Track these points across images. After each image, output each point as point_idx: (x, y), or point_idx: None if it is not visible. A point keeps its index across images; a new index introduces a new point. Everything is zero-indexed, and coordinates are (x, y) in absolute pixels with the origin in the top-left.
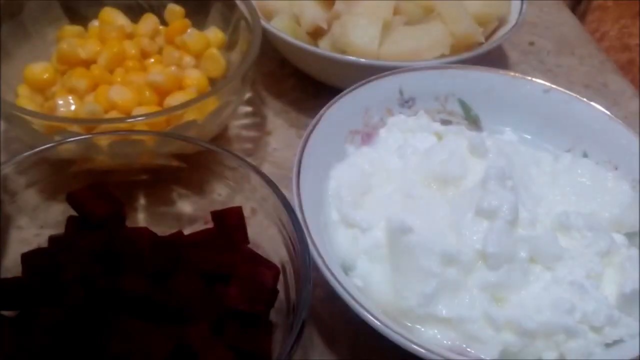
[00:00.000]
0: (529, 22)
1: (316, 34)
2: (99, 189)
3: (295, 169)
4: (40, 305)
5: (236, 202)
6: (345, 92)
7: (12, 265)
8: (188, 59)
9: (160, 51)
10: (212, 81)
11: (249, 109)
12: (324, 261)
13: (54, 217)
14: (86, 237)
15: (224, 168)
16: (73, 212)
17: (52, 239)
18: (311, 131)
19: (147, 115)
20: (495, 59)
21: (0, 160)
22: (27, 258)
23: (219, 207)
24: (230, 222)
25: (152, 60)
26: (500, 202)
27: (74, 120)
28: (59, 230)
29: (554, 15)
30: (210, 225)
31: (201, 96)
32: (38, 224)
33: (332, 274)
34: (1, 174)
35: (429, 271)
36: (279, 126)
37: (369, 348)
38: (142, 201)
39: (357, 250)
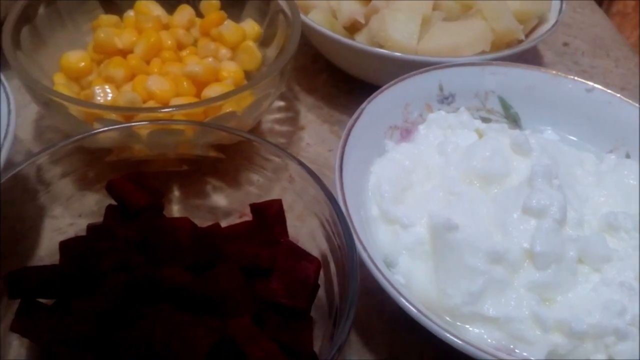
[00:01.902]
0: (563, 23)
1: (352, 28)
2: (138, 179)
3: (337, 162)
4: (78, 293)
5: (272, 194)
6: (386, 86)
7: (46, 254)
8: (224, 51)
9: (195, 43)
10: (247, 74)
11: (281, 103)
12: (369, 256)
13: (88, 206)
14: (125, 226)
15: (261, 159)
16: (107, 202)
17: (90, 228)
18: (352, 125)
19: (190, 104)
20: (530, 58)
21: (29, 149)
22: (66, 246)
23: (254, 201)
24: (270, 215)
25: (187, 51)
26: (549, 200)
27: (116, 108)
28: (94, 219)
29: (588, 16)
30: (246, 218)
31: (242, 87)
32: (72, 213)
33: (379, 269)
34: (36, 164)
35: (476, 269)
36: (312, 121)
37: (406, 346)
38: (176, 193)
39: (398, 247)
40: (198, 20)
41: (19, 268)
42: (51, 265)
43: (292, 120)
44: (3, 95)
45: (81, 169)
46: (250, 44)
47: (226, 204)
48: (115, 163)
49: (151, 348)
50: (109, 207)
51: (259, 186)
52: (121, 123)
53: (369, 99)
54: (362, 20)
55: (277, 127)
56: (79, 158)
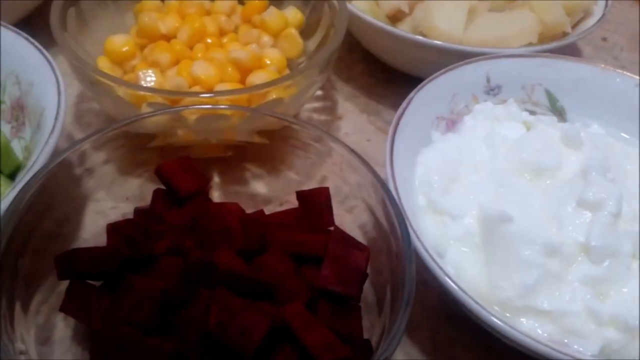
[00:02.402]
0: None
1: (395, 18)
2: (186, 163)
3: (388, 151)
4: (130, 275)
5: (313, 181)
6: (434, 76)
7: (90, 236)
8: (266, 39)
9: (235, 30)
10: (288, 62)
11: (319, 92)
12: (423, 245)
13: (130, 190)
14: (173, 211)
15: (305, 145)
16: (149, 186)
17: (137, 211)
18: (402, 114)
19: (247, 89)
20: (568, 53)
21: (69, 133)
22: (113, 229)
23: (294, 188)
24: (318, 202)
25: (228, 38)
26: (605, 193)
27: (169, 92)
28: (135, 203)
29: (626, 12)
30: (287, 206)
31: (293, 73)
32: (114, 197)
33: (433, 259)
34: (81, 150)
35: (530, 262)
36: (350, 111)
37: (450, 339)
38: (216, 179)
39: (447, 238)
40: (239, 7)
41: (65, 250)
42: (102, 247)
43: (330, 109)
44: (52, 76)
45: (123, 154)
46: (293, 31)
47: (266, 192)
48: (156, 149)
49: (207, 331)
50: (157, 191)
51: (299, 173)
52: (171, 107)
53: (417, 87)
54: (406, 10)
55: (316, 117)
56: (121, 144)
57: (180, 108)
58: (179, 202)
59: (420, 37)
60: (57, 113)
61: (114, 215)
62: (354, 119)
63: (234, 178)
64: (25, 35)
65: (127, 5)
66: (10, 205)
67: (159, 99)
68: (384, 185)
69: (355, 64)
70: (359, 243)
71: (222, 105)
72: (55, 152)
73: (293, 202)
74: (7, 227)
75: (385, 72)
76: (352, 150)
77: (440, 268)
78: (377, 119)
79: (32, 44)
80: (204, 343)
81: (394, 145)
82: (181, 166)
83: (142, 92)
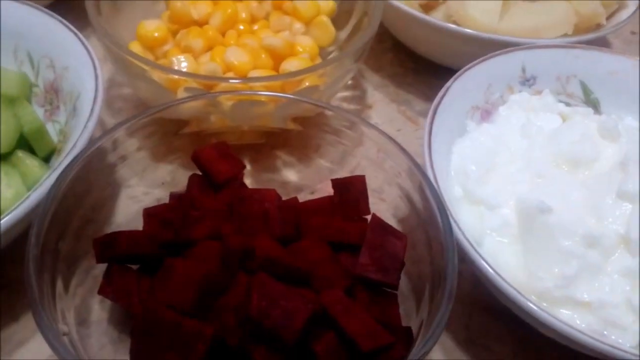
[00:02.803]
0: None
1: (427, 7)
2: (223, 149)
3: (426, 139)
4: (169, 259)
5: (345, 169)
6: (470, 65)
7: (123, 221)
8: (298, 26)
9: (266, 16)
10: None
11: (349, 81)
12: (464, 235)
13: (162, 176)
14: (209, 196)
15: (339, 132)
16: (180, 172)
17: (173, 196)
18: (439, 103)
19: (284, 75)
20: (599, 45)
21: (100, 118)
22: (149, 213)
23: (325, 177)
24: (353, 190)
25: (258, 25)
26: None
27: (206, 77)
28: (168, 189)
29: None
30: (317, 195)
31: (329, 61)
32: (147, 183)
33: (474, 248)
34: (114, 137)
35: (570, 252)
36: (379, 100)
37: (483, 329)
38: (247, 166)
39: (484, 228)
40: None
41: (104, 234)
42: (141, 231)
43: (359, 99)
44: (88, 60)
45: (156, 141)
46: (325, 19)
47: (297, 180)
48: (187, 135)
49: (248, 316)
50: (193, 177)
51: (331, 161)
52: (208, 92)
53: (454, 76)
54: None
55: (345, 105)
56: (154, 130)
57: (218, 93)
58: (215, 187)
59: (456, 26)
60: (95, 96)
61: (147, 201)
62: (383, 109)
63: (265, 166)
64: (60, 18)
65: None
66: (52, 187)
67: (194, 84)
68: (423, 173)
69: (384, 53)
70: (396, 231)
71: (258, 91)
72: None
73: (324, 191)
74: (50, 208)
75: (415, 62)
76: (390, 138)
77: (481, 257)
78: (407, 109)
79: (67, 27)
80: (243, 328)
81: (431, 133)
82: (218, 152)
83: (178, 77)
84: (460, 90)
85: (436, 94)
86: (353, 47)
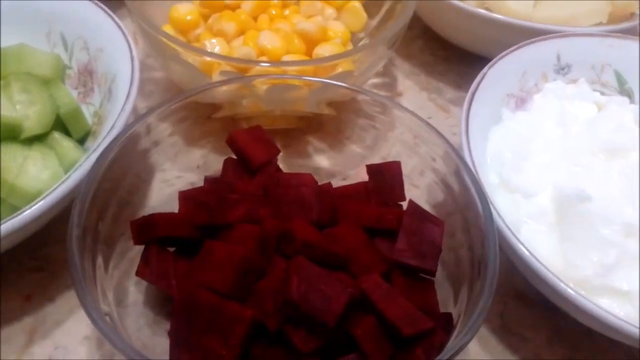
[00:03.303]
0: None
1: None
2: (258, 133)
3: (463, 126)
4: (208, 241)
5: (377, 154)
6: (505, 52)
7: (157, 204)
8: (330, 11)
9: (297, 2)
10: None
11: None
12: (504, 221)
13: (194, 160)
14: (244, 179)
15: (372, 118)
16: (212, 156)
17: (208, 180)
18: (475, 89)
19: (320, 59)
20: (630, 34)
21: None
22: (185, 197)
23: (357, 163)
24: (389, 176)
25: (290, 10)
26: None
27: (243, 60)
28: (200, 172)
29: None
30: (349, 182)
31: (363, 47)
32: (179, 166)
33: (513, 234)
34: (147, 122)
35: (609, 241)
36: (410, 88)
37: (518, 317)
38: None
39: (520, 216)
40: None
41: (142, 216)
42: (178, 213)
43: (390, 86)
44: (123, 42)
45: (189, 125)
46: (357, 4)
47: (329, 166)
48: (218, 120)
49: (287, 299)
50: (228, 161)
51: (363, 147)
52: (244, 76)
53: (490, 63)
54: None
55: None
56: (186, 115)
57: (255, 77)
58: (251, 171)
59: (491, 14)
60: (132, 78)
61: (180, 184)
62: (414, 96)
63: (297, 151)
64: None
65: None
66: (93, 168)
67: (227, 67)
68: (461, 158)
69: (414, 41)
70: (433, 217)
71: (292, 75)
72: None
73: (356, 177)
74: (91, 189)
75: (445, 49)
76: (427, 122)
77: (521, 243)
78: (438, 97)
79: (102, 9)
80: (282, 311)
81: (469, 120)
82: (253, 136)
83: (213, 59)
84: (496, 77)
85: (468, 82)
86: (387, 34)
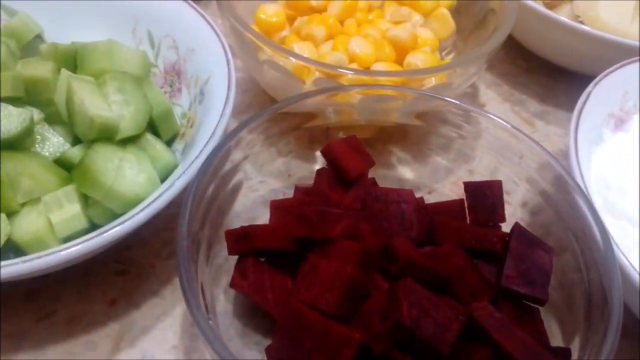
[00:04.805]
0: None
1: (549, 4)
2: (354, 143)
3: (572, 148)
4: (312, 255)
5: (462, 170)
6: (609, 70)
7: (241, 209)
8: (417, 17)
9: (381, 6)
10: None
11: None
12: (621, 250)
13: (277, 167)
14: (337, 191)
15: (460, 128)
16: (294, 164)
17: (299, 189)
18: (581, 108)
19: (431, 69)
20: None
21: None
22: (278, 206)
23: (442, 176)
24: (489, 195)
25: (374, 15)
26: None
27: (354, 70)
28: (283, 178)
29: None
30: (434, 195)
31: (465, 60)
32: (263, 173)
33: (632, 266)
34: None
35: None
36: (492, 99)
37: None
38: None
39: (627, 244)
40: None
41: (233, 227)
42: (275, 225)
43: (472, 96)
44: (216, 44)
45: (277, 135)
46: (445, 11)
47: (413, 178)
48: (301, 129)
49: (399, 324)
50: (322, 171)
51: (448, 158)
52: (342, 85)
53: (594, 81)
54: None
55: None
56: (270, 125)
57: (353, 86)
58: (345, 183)
59: (590, 29)
60: (229, 82)
61: (263, 190)
62: (496, 108)
63: (380, 162)
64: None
65: None
66: (198, 175)
67: (319, 73)
68: (573, 180)
69: None
70: (542, 242)
71: (384, 85)
72: None
73: (441, 191)
74: (196, 197)
75: (526, 60)
76: (536, 141)
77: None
78: (522, 110)
79: (193, 8)
80: (391, 335)
81: (577, 140)
82: (349, 146)
83: (310, 65)
84: (599, 96)
85: (552, 96)
86: (487, 48)
